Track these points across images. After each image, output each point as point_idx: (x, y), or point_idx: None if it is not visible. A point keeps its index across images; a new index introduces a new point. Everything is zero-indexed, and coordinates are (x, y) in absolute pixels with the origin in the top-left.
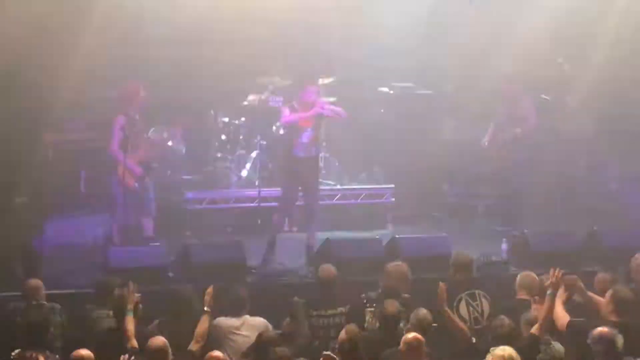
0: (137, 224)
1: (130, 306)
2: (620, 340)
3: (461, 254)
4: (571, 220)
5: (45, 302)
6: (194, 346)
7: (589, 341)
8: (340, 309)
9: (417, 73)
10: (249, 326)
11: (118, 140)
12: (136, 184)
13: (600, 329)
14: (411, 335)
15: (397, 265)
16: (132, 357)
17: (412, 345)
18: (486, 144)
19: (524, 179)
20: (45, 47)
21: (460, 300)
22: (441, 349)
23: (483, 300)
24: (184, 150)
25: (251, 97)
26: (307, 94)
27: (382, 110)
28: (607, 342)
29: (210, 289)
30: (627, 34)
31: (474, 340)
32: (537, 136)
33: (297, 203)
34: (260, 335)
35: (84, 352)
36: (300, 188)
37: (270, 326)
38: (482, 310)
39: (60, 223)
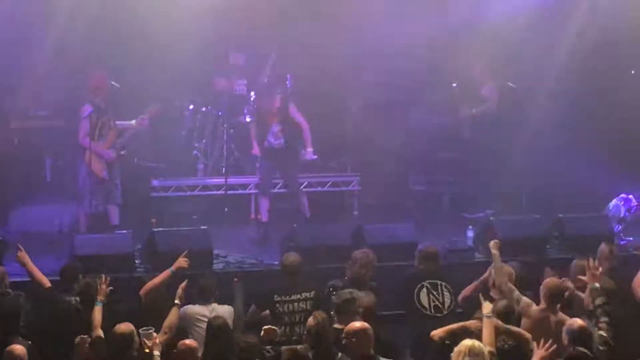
0: (104, 212)
1: (101, 298)
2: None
3: (428, 246)
4: (537, 207)
5: (9, 290)
6: (161, 337)
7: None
8: (305, 295)
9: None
10: (217, 314)
11: (85, 129)
12: (105, 173)
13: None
14: (358, 324)
15: (364, 252)
16: (93, 341)
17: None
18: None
19: (490, 166)
20: (12, 34)
21: (421, 287)
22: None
23: (445, 291)
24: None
25: (218, 81)
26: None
27: (351, 100)
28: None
29: (184, 284)
30: (597, 22)
31: None
32: (504, 122)
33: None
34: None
35: (18, 347)
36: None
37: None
38: (443, 301)
39: (26, 211)
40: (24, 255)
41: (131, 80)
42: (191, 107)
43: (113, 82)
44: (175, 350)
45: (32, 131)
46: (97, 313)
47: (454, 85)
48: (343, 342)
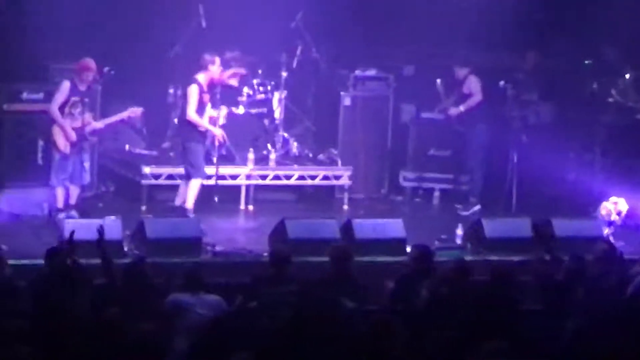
0: (65, 189)
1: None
2: None
3: (420, 246)
4: (527, 208)
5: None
6: None
7: None
8: (293, 287)
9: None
10: (204, 303)
11: (56, 101)
12: (67, 147)
13: None
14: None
15: (336, 247)
16: None
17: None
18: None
19: (481, 165)
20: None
21: (420, 289)
22: None
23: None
24: (142, 127)
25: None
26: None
27: (341, 93)
28: None
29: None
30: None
31: None
32: (494, 123)
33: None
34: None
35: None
36: None
37: (224, 304)
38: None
39: (15, 194)
40: None
41: (125, 66)
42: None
43: (107, 69)
44: None
45: (26, 114)
46: None
47: (439, 81)
48: None
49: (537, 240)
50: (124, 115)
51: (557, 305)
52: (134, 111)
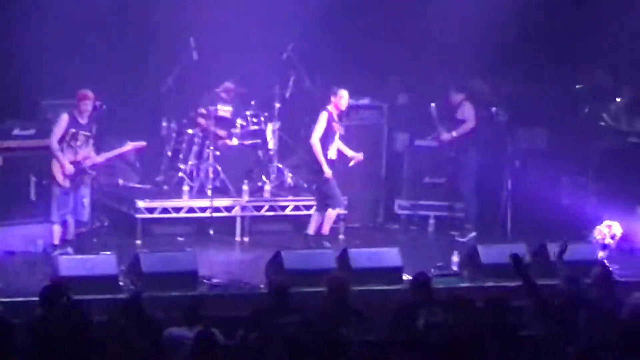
0: (64, 225)
1: None
2: None
3: (418, 274)
4: (522, 233)
5: None
6: None
7: None
8: (292, 317)
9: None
10: None
11: (56, 135)
12: (66, 182)
13: None
14: None
15: (333, 277)
16: None
17: None
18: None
19: (474, 191)
20: None
21: (419, 318)
22: None
23: (441, 315)
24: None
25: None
26: None
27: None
28: None
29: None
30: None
31: None
32: (487, 148)
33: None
34: None
35: None
36: None
37: (222, 338)
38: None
39: (9, 230)
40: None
41: (117, 101)
42: (178, 128)
43: (99, 103)
44: None
45: (18, 150)
46: None
47: (433, 105)
48: None
49: (514, 266)
50: (126, 148)
51: (557, 329)
52: (137, 144)
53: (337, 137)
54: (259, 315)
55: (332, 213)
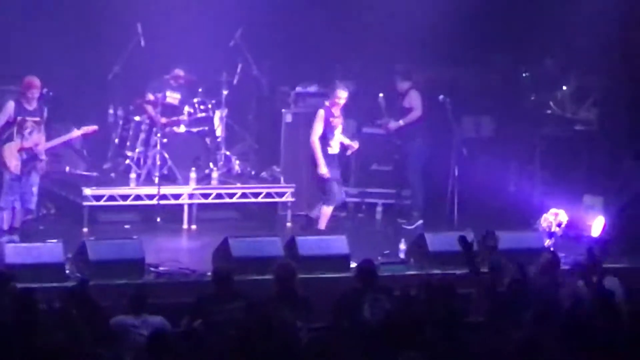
0: (12, 211)
1: None
2: None
3: (364, 261)
4: (469, 221)
5: None
6: None
7: None
8: (237, 304)
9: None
10: (148, 325)
11: (1, 122)
12: (18, 168)
13: None
14: None
15: (281, 265)
16: None
17: None
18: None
19: (421, 179)
20: None
21: (363, 305)
22: None
23: (385, 301)
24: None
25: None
26: None
27: (282, 110)
28: None
29: None
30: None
31: None
32: (434, 136)
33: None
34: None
35: None
36: None
37: (168, 325)
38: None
39: None
40: None
41: (64, 88)
42: (125, 115)
43: (45, 90)
44: None
45: None
46: None
47: (381, 95)
48: None
49: (462, 249)
50: (76, 134)
51: (502, 316)
52: (88, 129)
53: (337, 131)
54: (203, 302)
55: (326, 210)
